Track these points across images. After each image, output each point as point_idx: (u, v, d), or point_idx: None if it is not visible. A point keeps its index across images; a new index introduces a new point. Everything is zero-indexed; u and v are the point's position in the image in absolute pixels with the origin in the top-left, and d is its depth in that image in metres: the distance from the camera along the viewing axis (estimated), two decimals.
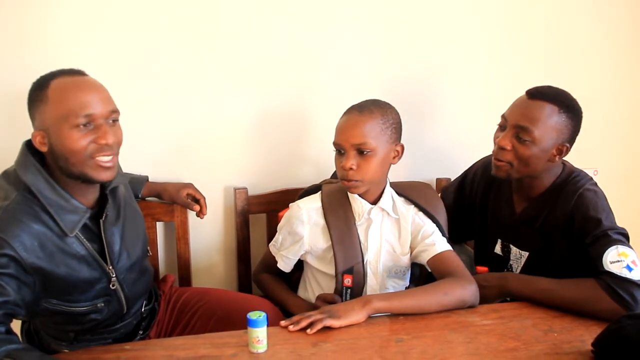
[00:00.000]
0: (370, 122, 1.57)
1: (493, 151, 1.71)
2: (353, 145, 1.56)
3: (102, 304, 1.49)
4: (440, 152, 2.31)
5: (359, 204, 1.66)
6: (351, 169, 1.57)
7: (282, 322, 1.43)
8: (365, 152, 1.56)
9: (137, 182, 1.94)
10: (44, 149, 1.37)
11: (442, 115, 2.30)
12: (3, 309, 1.25)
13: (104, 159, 1.39)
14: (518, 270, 1.75)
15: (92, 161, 1.37)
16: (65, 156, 1.36)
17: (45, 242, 1.35)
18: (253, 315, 1.32)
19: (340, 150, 1.60)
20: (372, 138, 1.56)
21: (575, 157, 1.74)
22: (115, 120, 1.42)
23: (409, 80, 2.22)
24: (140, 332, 1.68)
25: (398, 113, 1.65)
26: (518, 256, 1.75)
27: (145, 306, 1.67)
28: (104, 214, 1.46)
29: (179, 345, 1.36)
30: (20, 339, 1.62)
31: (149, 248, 1.71)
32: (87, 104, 1.35)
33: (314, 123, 2.16)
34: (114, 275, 1.49)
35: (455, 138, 2.32)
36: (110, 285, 1.49)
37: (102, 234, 1.46)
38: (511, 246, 1.77)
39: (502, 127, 1.69)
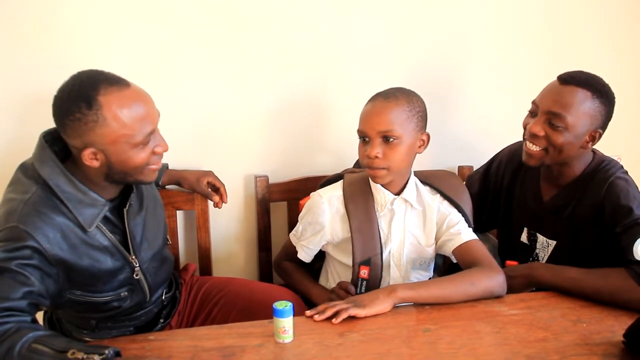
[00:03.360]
0: (396, 109, 1.54)
1: (524, 138, 1.68)
2: (379, 133, 1.54)
3: (126, 293, 1.50)
4: (463, 139, 2.28)
5: (381, 194, 1.64)
6: (376, 157, 1.54)
7: (307, 312, 1.41)
8: (390, 140, 1.54)
9: None
10: (95, 164, 1.34)
11: (464, 102, 2.27)
12: (28, 299, 1.25)
13: (157, 163, 1.41)
14: (545, 259, 1.73)
15: (147, 168, 1.39)
16: (125, 171, 1.36)
17: (68, 234, 1.35)
18: (279, 305, 1.30)
19: (364, 138, 1.58)
20: (398, 125, 1.53)
21: (598, 144, 1.70)
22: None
23: (431, 67, 2.19)
24: (162, 320, 1.68)
25: (423, 101, 1.62)
26: (545, 245, 1.72)
27: (165, 294, 1.67)
28: (128, 204, 1.46)
29: (203, 335, 1.36)
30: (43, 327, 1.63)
31: (168, 237, 1.71)
32: (148, 122, 1.34)
33: (335, 111, 2.14)
34: (137, 265, 1.49)
35: (478, 125, 2.29)
36: (134, 275, 1.49)
37: (126, 224, 1.45)
38: (538, 235, 1.75)
39: (532, 114, 1.66)
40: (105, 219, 1.42)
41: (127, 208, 1.45)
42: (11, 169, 1.43)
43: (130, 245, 1.47)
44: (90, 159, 1.33)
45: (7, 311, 1.21)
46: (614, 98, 1.62)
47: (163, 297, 1.66)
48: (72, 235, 1.35)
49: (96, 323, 1.54)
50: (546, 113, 1.60)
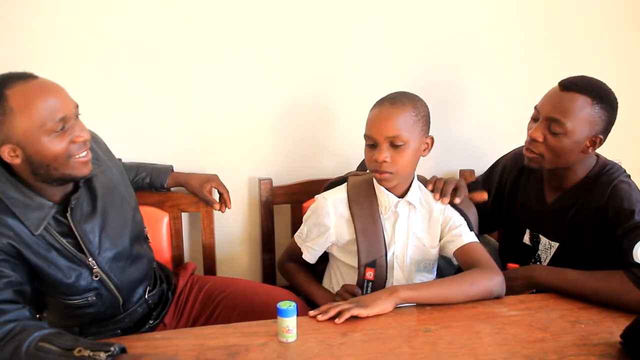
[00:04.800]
0: (403, 115, 1.56)
1: (525, 142, 1.70)
2: (386, 138, 1.56)
3: (94, 297, 1.51)
4: (464, 143, 2.30)
5: (385, 197, 1.66)
6: (384, 161, 1.56)
7: (311, 312, 1.44)
8: (398, 145, 1.56)
9: (162, 172, 1.94)
10: (16, 161, 1.34)
11: (466, 106, 2.29)
12: (10, 288, 1.30)
13: (82, 155, 1.40)
14: (547, 261, 1.74)
15: (72, 160, 1.38)
16: (46, 163, 1.35)
17: (20, 234, 1.37)
18: (283, 305, 1.32)
19: (372, 143, 1.60)
20: (405, 130, 1.55)
21: (599, 148, 1.72)
22: (78, 115, 1.41)
23: (433, 71, 2.21)
24: (151, 321, 1.69)
25: (427, 105, 1.64)
26: (547, 246, 1.74)
27: (148, 293, 1.67)
28: (69, 208, 1.44)
29: (208, 334, 1.38)
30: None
31: (147, 234, 1.71)
32: (57, 108, 1.33)
33: (339, 114, 2.16)
34: (95, 267, 1.48)
35: (479, 129, 2.31)
36: (94, 277, 1.49)
37: (73, 227, 1.45)
38: (540, 236, 1.76)
39: (534, 119, 1.67)
40: (57, 222, 1.43)
41: (69, 211, 1.44)
42: None
43: (83, 246, 1.46)
44: (10, 156, 1.33)
45: None
46: (617, 103, 1.63)
47: (146, 296, 1.66)
48: (25, 235, 1.38)
49: (80, 330, 1.56)
50: (546, 119, 1.62)
